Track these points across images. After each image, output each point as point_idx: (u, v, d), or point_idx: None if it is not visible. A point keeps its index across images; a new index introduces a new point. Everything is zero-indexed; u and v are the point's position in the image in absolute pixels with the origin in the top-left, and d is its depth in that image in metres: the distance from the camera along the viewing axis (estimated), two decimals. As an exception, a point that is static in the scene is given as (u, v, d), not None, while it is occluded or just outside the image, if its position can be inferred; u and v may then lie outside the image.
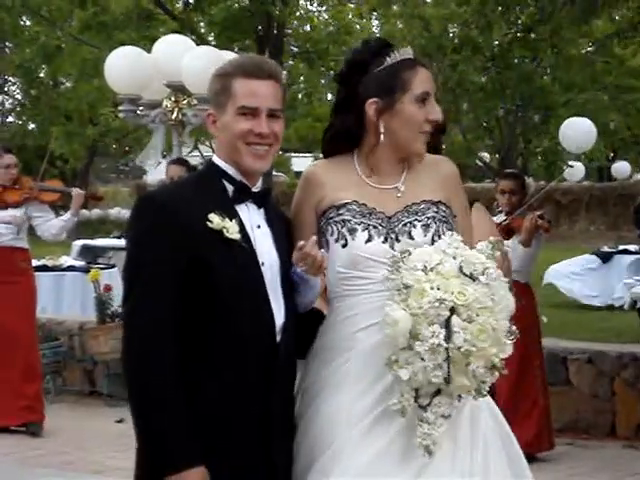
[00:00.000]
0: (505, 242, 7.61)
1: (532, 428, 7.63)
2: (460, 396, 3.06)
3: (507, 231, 7.66)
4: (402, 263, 3.04)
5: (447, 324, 2.94)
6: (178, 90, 9.16)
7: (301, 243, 3.11)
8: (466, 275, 3.01)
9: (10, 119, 34.09)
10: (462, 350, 2.93)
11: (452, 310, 2.96)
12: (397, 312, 2.99)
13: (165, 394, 2.96)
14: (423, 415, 3.04)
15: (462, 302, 2.96)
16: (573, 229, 30.38)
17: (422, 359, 2.96)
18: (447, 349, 2.93)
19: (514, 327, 3.06)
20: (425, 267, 3.02)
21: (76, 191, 8.69)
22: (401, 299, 3.01)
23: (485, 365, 2.97)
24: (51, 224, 8.56)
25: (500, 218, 7.88)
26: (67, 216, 8.64)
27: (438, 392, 3.02)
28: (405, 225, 3.28)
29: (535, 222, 7.62)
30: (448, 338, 2.93)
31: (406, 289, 3.01)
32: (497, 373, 3.01)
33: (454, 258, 3.05)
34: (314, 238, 3.14)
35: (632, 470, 7.62)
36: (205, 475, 2.97)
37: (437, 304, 2.95)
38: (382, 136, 3.33)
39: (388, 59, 3.35)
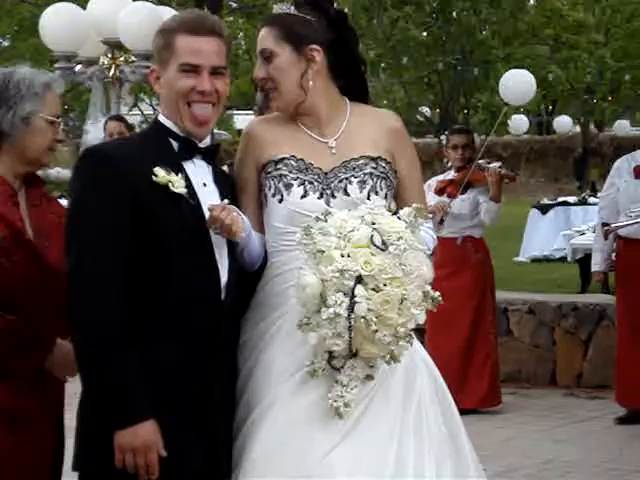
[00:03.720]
0: (461, 196, 7.65)
1: (485, 383, 7.75)
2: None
3: (465, 186, 7.68)
4: (314, 229, 3.02)
5: (352, 293, 2.93)
6: (115, 47, 9.06)
7: (210, 206, 3.07)
8: (375, 245, 2.98)
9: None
10: (365, 320, 2.92)
11: (359, 279, 2.94)
12: (307, 277, 2.98)
13: (114, 349, 2.94)
14: (337, 377, 3.04)
15: (368, 272, 2.94)
16: (514, 182, 30.61)
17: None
18: (349, 318, 2.92)
19: (437, 293, 3.05)
20: (339, 233, 3.01)
21: None
22: (315, 263, 3.00)
23: (393, 334, 2.96)
24: None
25: (451, 174, 7.90)
26: None
27: (354, 355, 3.02)
28: (341, 181, 3.27)
29: (500, 173, 7.68)
30: (351, 307, 2.93)
31: (320, 254, 2.99)
32: (401, 342, 2.99)
33: (372, 224, 3.03)
34: (224, 202, 3.09)
35: (574, 417, 7.76)
36: (156, 428, 2.97)
37: (339, 274, 2.94)
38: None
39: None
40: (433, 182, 7.86)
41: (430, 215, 6.96)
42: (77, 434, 3.12)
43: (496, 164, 7.95)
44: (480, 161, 7.94)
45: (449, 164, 8.04)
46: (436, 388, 3.31)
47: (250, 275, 3.26)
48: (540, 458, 6.72)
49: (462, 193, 7.68)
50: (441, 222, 7.42)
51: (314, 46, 3.28)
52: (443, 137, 8.35)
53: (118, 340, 2.95)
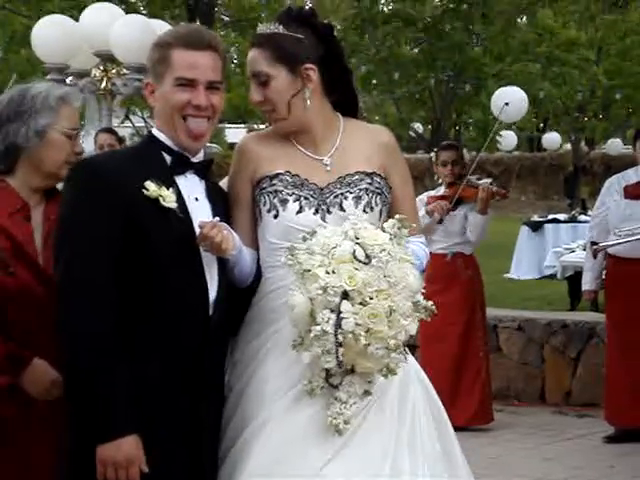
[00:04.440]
0: (451, 212, 7.66)
1: (475, 400, 7.73)
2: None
3: (455, 202, 7.69)
4: (299, 250, 3.02)
5: (338, 309, 2.93)
6: (107, 59, 9.05)
7: (201, 223, 3.06)
8: (358, 259, 2.98)
9: (-64, 90, 33.53)
10: (354, 334, 2.92)
11: (345, 294, 2.94)
12: (295, 297, 2.99)
13: (102, 361, 2.92)
14: (335, 394, 3.04)
15: (352, 287, 2.94)
16: (504, 199, 30.63)
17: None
18: (336, 334, 2.91)
19: (430, 302, 3.05)
20: (323, 251, 3.00)
21: None
22: (302, 283, 3.00)
23: (385, 347, 2.96)
24: None
25: (441, 190, 7.91)
26: None
27: (351, 371, 3.02)
28: (337, 197, 3.27)
29: (490, 191, 7.69)
30: (339, 323, 2.92)
31: (306, 273, 2.99)
32: (394, 354, 2.99)
33: (356, 238, 3.02)
34: (215, 219, 3.08)
35: (563, 435, 7.75)
36: (139, 443, 2.95)
37: (322, 291, 2.94)
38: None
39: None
40: (424, 197, 7.87)
41: (429, 217, 6.87)
42: (58, 447, 3.10)
43: (487, 180, 7.96)
44: (471, 177, 7.95)
45: (439, 180, 8.05)
46: (430, 403, 3.31)
47: (241, 291, 3.25)
48: (529, 476, 6.70)
49: (452, 209, 7.69)
50: (440, 222, 7.47)
51: (309, 65, 3.27)
52: (433, 153, 8.35)
53: (106, 352, 2.93)
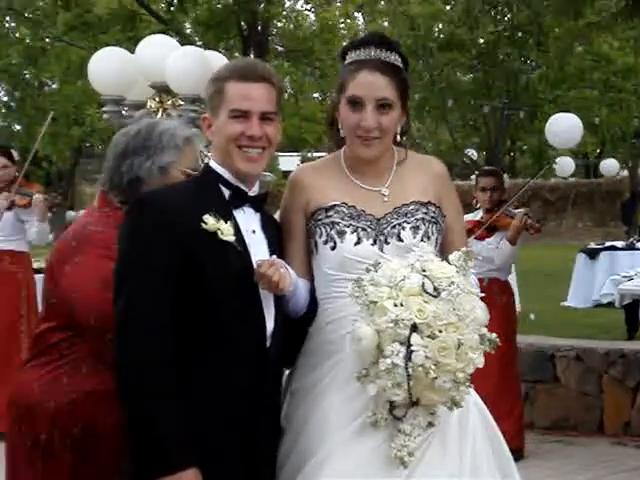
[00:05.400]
0: (487, 239, 7.63)
1: (512, 428, 7.62)
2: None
3: (490, 229, 7.67)
4: (365, 280, 3.01)
5: (408, 342, 2.92)
6: (162, 91, 9.11)
7: (259, 262, 3.08)
8: (427, 292, 2.98)
9: (-4, 121, 33.99)
10: (423, 368, 2.91)
11: (414, 327, 2.93)
12: (362, 329, 2.98)
13: (160, 396, 2.94)
14: (400, 426, 3.03)
15: (422, 320, 2.93)
16: (560, 226, 30.42)
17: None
18: (407, 367, 2.90)
19: (494, 335, 3.04)
20: (391, 283, 3.00)
21: (36, 198, 8.51)
22: (368, 314, 2.99)
23: (453, 379, 2.95)
24: (29, 231, 8.51)
25: (479, 215, 7.88)
26: (35, 223, 8.50)
27: (415, 403, 3.00)
28: (394, 227, 3.27)
29: (525, 221, 7.62)
30: (409, 356, 2.91)
31: (373, 305, 2.98)
32: (463, 387, 2.99)
33: (423, 271, 3.02)
34: (272, 258, 3.11)
35: (621, 467, 7.62)
36: (198, 476, 2.95)
37: (393, 324, 2.93)
38: (341, 132, 3.35)
39: (347, 57, 3.35)
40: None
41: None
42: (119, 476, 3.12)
43: (522, 210, 7.88)
44: (509, 207, 7.89)
45: (478, 205, 8.02)
46: (488, 429, 3.30)
47: (296, 321, 3.25)
48: (587, 508, 6.61)
49: (488, 236, 7.68)
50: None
51: (408, 102, 3.33)
52: (473, 177, 8.32)
53: (163, 386, 2.94)
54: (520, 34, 21.54)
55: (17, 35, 25.34)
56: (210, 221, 3.05)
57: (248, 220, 3.19)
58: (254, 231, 3.19)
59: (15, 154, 8.82)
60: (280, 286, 3.08)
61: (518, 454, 7.32)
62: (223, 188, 3.18)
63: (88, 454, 3.38)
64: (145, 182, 3.44)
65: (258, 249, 3.15)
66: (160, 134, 3.47)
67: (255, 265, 3.08)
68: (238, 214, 3.16)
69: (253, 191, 3.23)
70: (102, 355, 3.25)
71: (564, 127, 9.77)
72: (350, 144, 3.33)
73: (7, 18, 25.56)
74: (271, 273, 3.04)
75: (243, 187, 3.20)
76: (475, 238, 7.60)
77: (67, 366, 3.41)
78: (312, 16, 26.21)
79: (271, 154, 3.24)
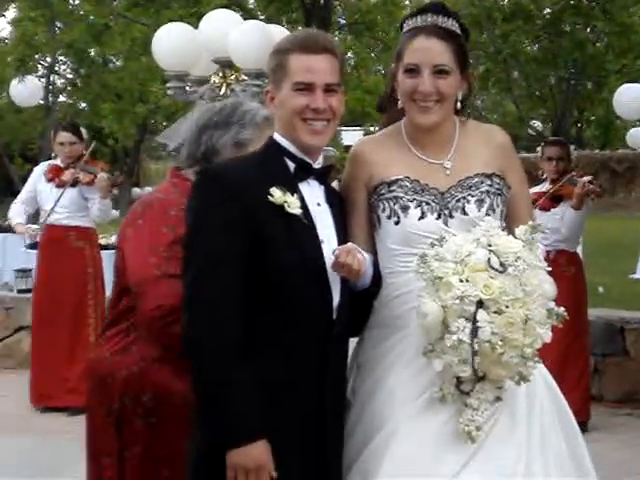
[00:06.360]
0: (553, 209, 7.54)
1: (578, 399, 7.55)
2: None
3: (555, 198, 7.58)
4: (430, 257, 2.99)
5: (474, 318, 2.90)
6: (226, 66, 9.13)
7: (336, 252, 3.07)
8: (493, 267, 2.95)
9: (62, 98, 34.23)
10: (490, 344, 2.89)
11: (480, 303, 2.91)
12: (427, 305, 2.97)
13: (228, 369, 2.95)
14: (467, 401, 3.02)
15: (488, 295, 2.91)
16: (629, 197, 30.01)
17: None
18: (472, 344, 2.89)
19: (561, 309, 3.01)
20: (456, 258, 2.97)
21: (100, 177, 8.56)
22: (434, 290, 2.97)
23: (520, 355, 2.93)
24: (91, 209, 8.58)
25: (545, 186, 7.80)
26: (97, 200, 8.54)
27: (482, 378, 2.98)
28: (458, 201, 3.24)
29: (587, 188, 7.53)
30: (475, 332, 2.89)
31: (438, 280, 2.96)
32: (531, 362, 2.97)
33: (489, 246, 2.98)
34: (348, 245, 3.10)
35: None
36: (268, 448, 2.97)
37: (459, 300, 2.91)
38: (399, 103, 3.31)
39: (405, 25, 3.31)
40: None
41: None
42: (189, 451, 3.13)
43: (586, 178, 7.77)
44: (573, 174, 7.79)
45: (544, 175, 7.92)
46: (556, 403, 3.28)
47: (360, 294, 3.24)
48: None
49: (554, 206, 7.59)
50: None
51: (471, 71, 3.29)
52: (539, 148, 8.21)
53: (232, 360, 2.96)
54: (586, 1, 21.20)
55: (81, 12, 25.49)
56: (277, 194, 3.05)
57: (313, 193, 3.18)
58: (319, 204, 3.18)
59: (84, 132, 8.90)
60: (360, 273, 3.08)
61: (584, 427, 7.28)
62: (288, 161, 3.17)
63: (159, 421, 3.46)
64: (219, 155, 3.51)
65: (323, 222, 3.15)
66: (244, 112, 3.57)
67: (320, 230, 3.09)
68: (303, 187, 3.16)
69: (318, 163, 3.23)
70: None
71: (632, 97, 9.62)
72: (408, 112, 3.29)
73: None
74: (350, 261, 3.05)
75: (308, 159, 3.19)
76: (540, 209, 7.52)
77: (135, 333, 3.48)
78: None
79: (335, 126, 3.23)
